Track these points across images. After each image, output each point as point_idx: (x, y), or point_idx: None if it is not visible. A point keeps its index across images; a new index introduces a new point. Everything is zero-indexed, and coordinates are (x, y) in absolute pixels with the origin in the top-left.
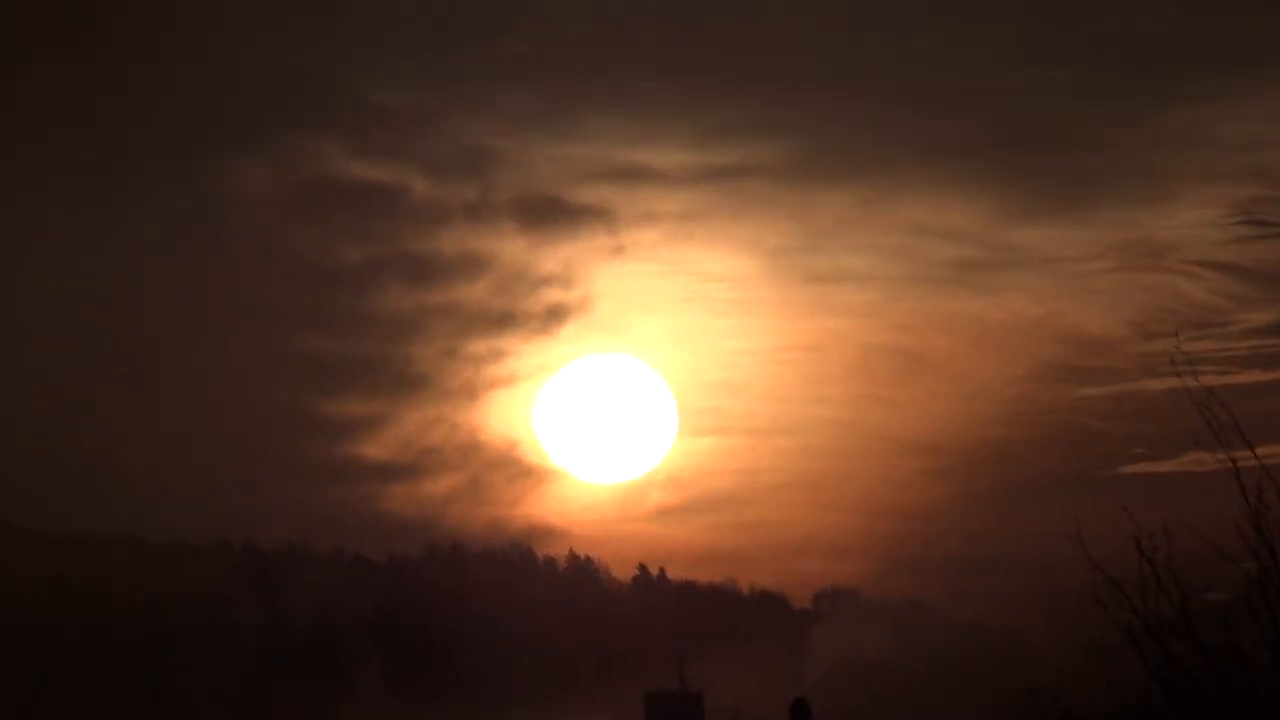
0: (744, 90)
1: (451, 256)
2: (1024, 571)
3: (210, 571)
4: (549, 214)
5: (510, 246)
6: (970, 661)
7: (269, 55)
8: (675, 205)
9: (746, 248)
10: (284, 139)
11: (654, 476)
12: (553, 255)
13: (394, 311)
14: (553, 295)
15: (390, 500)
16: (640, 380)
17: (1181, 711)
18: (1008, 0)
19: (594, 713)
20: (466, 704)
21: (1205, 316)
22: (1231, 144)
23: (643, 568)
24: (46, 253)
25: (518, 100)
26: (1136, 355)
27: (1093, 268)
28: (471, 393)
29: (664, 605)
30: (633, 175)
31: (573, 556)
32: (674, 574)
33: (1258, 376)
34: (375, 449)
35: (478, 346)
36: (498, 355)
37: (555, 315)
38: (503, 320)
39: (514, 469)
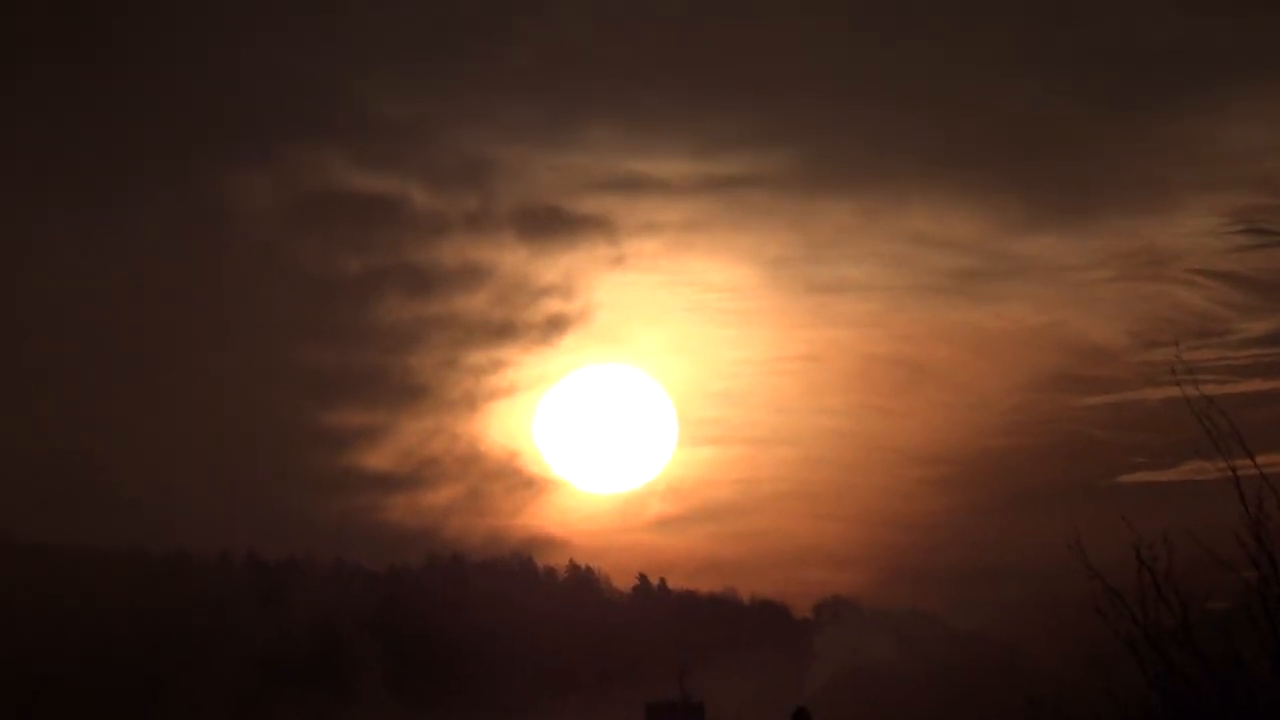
0: (744, 100)
1: (452, 267)
2: (1025, 581)
3: (212, 583)
4: (549, 224)
5: (511, 257)
6: (971, 671)
7: (269, 64)
8: (676, 215)
9: (747, 258)
10: (284, 149)
11: (654, 486)
12: (553, 265)
13: (394, 322)
14: (553, 305)
15: (391, 511)
16: (641, 390)
17: None
18: (1008, 9)
19: None
20: (467, 714)
21: (1206, 326)
22: (1233, 152)
23: (643, 578)
24: (45, 261)
25: (518, 110)
26: (1137, 364)
27: (1094, 277)
28: (472, 403)
29: (664, 615)
30: (633, 185)
31: (573, 566)
32: (674, 584)
33: (1258, 386)
34: (375, 459)
35: (478, 357)
36: (498, 365)
37: (556, 325)
38: (503, 330)
39: (514, 479)
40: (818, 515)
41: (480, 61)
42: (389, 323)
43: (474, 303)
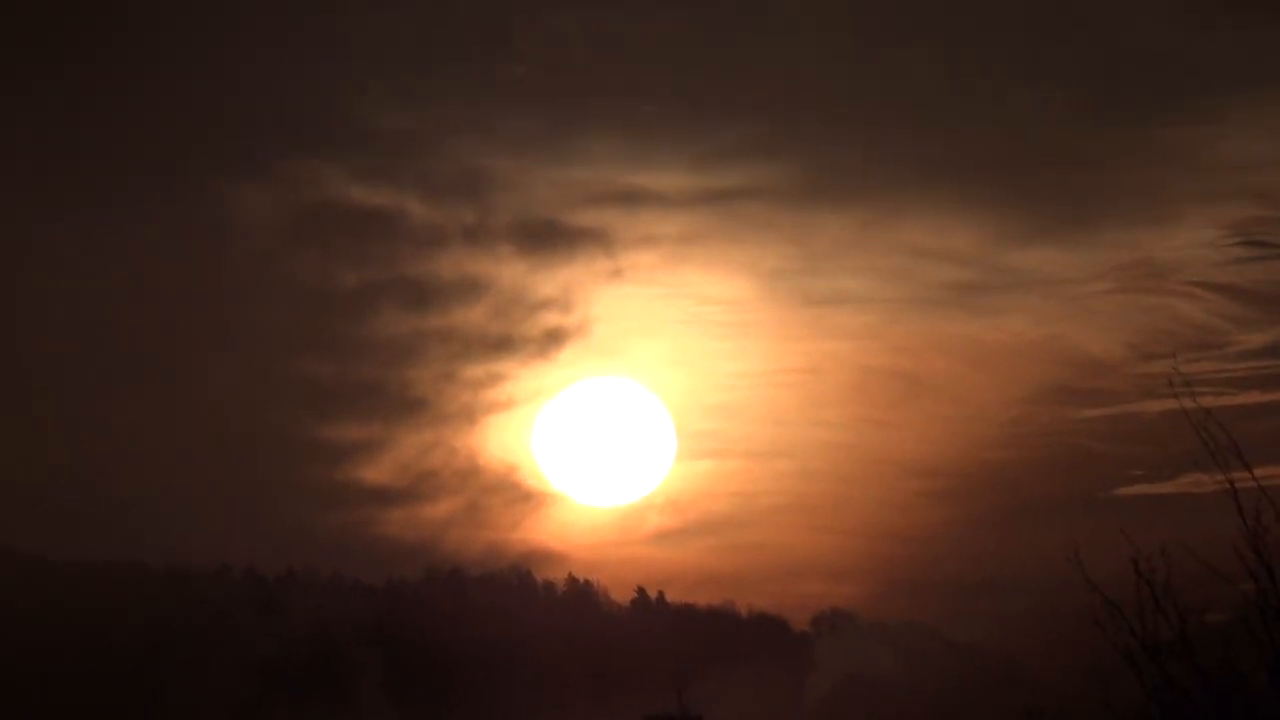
0: (742, 114)
1: (450, 280)
2: (1023, 593)
3: (211, 596)
4: (547, 237)
5: (508, 270)
6: (970, 683)
7: (268, 78)
8: (673, 228)
9: (744, 270)
10: (282, 162)
11: (653, 499)
12: (551, 279)
13: (392, 335)
14: (551, 319)
15: (389, 524)
16: (638, 403)
17: None
18: (1006, 21)
19: None
20: None
21: (1204, 338)
22: (1232, 164)
23: (642, 591)
24: (43, 275)
25: (516, 124)
26: (1135, 377)
27: (1092, 289)
28: (470, 416)
29: (663, 628)
30: (631, 198)
31: (572, 580)
32: (673, 597)
33: (1256, 398)
34: (374, 473)
35: (476, 370)
36: (496, 379)
37: (553, 338)
38: (501, 344)
39: (513, 493)
40: (816, 528)
41: (478, 75)
42: (387, 336)
43: (472, 316)
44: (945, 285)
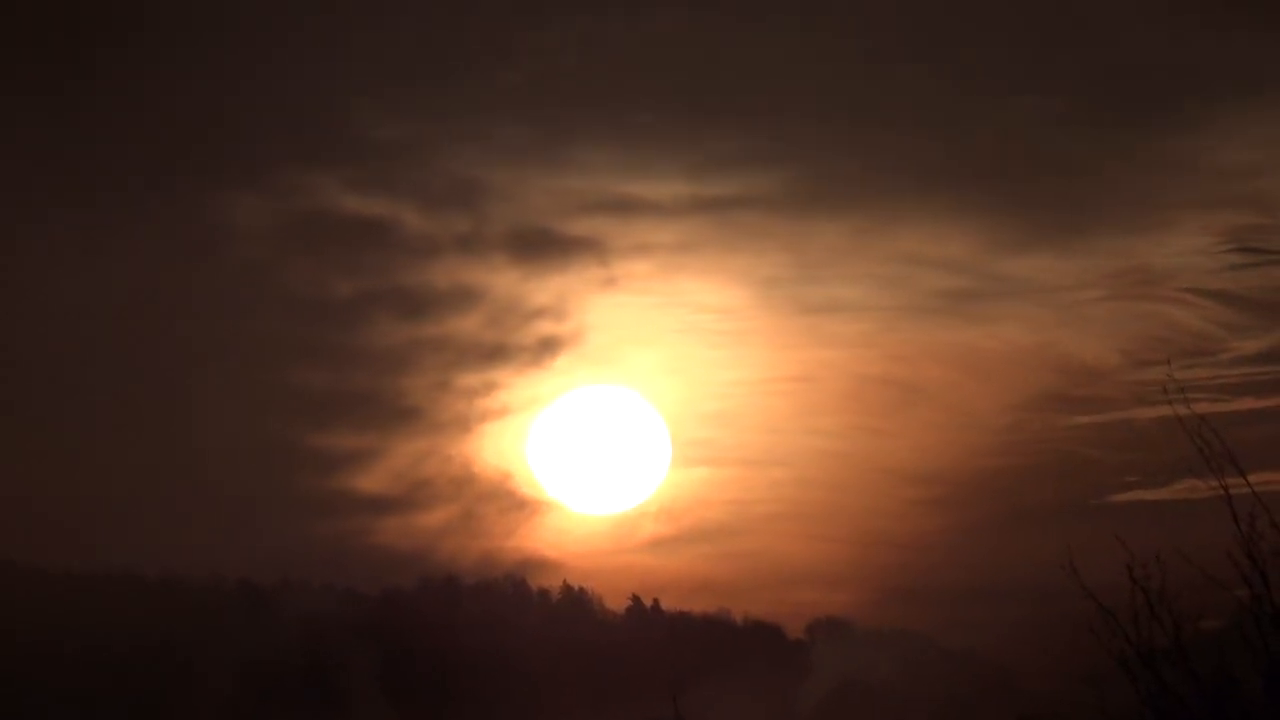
0: (737, 122)
1: (444, 289)
2: (1018, 601)
3: (205, 606)
4: (541, 246)
5: (502, 279)
6: (965, 691)
7: (261, 86)
8: (668, 237)
9: (739, 279)
10: (276, 171)
11: (647, 508)
12: (545, 287)
13: (386, 344)
14: (545, 327)
15: (383, 533)
16: (633, 411)
17: None
18: (1000, 29)
19: None
20: None
21: (1198, 344)
22: (1226, 171)
23: (636, 599)
24: (33, 283)
25: (511, 133)
26: (1130, 384)
27: (1086, 296)
28: (464, 425)
29: (658, 636)
30: (625, 207)
31: (566, 588)
32: (668, 605)
33: (1250, 404)
34: (367, 482)
35: (470, 379)
36: (490, 387)
37: (548, 347)
38: (495, 352)
39: (507, 501)
40: (810, 536)
41: (472, 84)
42: (381, 345)
43: (466, 325)
44: (940, 293)
